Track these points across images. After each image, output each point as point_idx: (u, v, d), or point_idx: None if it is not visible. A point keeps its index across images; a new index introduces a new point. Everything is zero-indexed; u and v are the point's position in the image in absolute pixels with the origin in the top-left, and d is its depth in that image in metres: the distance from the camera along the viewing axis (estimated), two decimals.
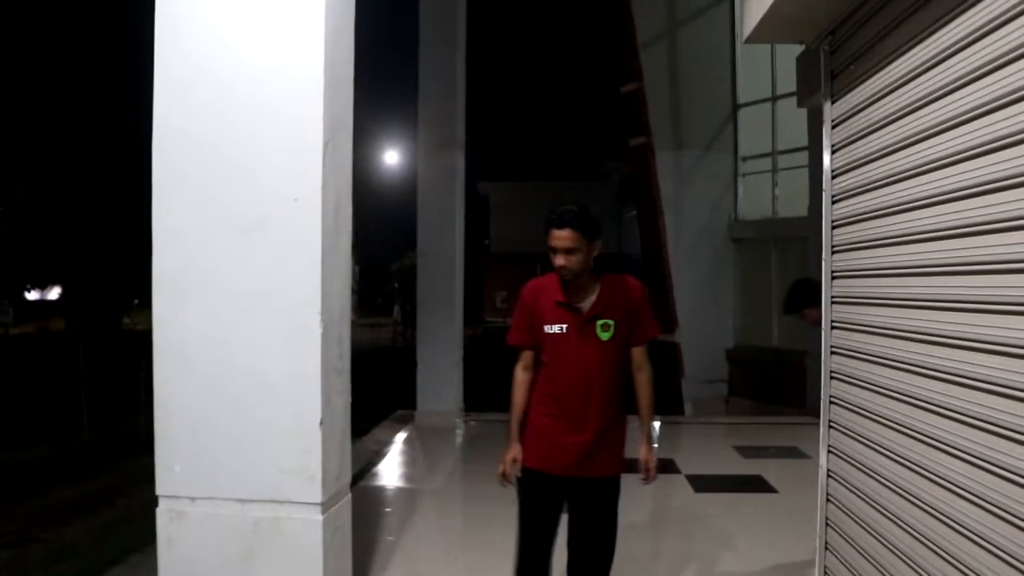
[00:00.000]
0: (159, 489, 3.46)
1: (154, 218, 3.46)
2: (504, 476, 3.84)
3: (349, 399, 3.69)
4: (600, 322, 3.71)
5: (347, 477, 3.64)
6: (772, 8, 4.21)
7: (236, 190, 3.36)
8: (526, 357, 3.91)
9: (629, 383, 3.94)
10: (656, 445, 4.02)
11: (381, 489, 7.49)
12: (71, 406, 12.54)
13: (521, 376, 3.90)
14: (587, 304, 3.74)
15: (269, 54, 3.34)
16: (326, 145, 3.33)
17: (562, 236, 3.58)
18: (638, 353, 3.89)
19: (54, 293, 38.19)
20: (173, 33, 3.45)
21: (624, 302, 3.77)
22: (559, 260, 3.62)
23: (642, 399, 3.91)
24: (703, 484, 7.34)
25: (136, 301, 31.96)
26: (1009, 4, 2.57)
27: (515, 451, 3.84)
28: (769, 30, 4.57)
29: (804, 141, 12.35)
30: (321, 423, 3.31)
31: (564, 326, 3.72)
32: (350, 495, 3.65)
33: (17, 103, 21.79)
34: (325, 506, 3.35)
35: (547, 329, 3.75)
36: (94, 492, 8.97)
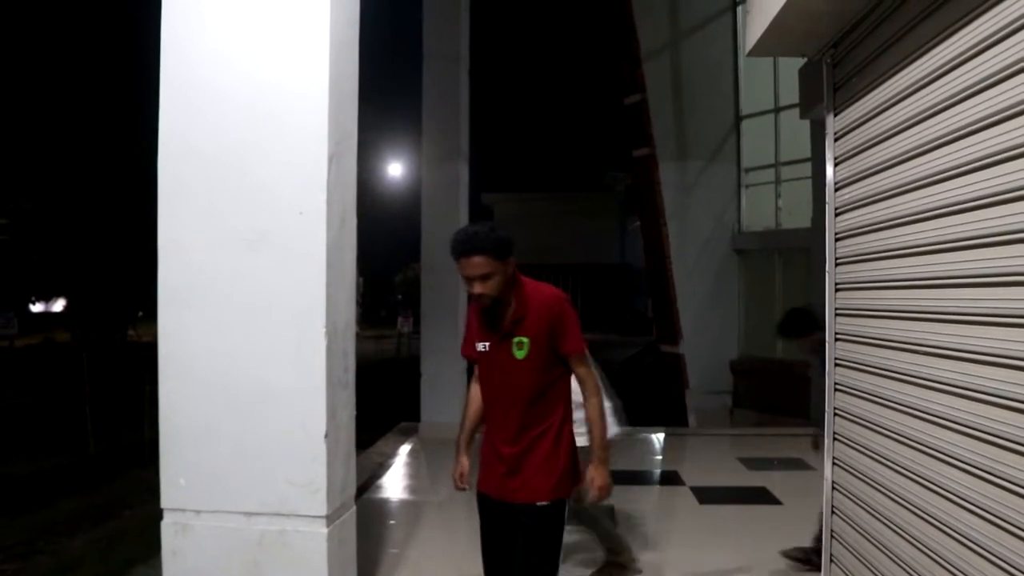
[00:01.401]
0: (164, 502, 3.47)
1: (159, 231, 3.47)
2: (458, 482, 3.76)
3: (354, 412, 3.69)
4: (515, 339, 3.50)
5: (352, 489, 3.65)
6: (775, 22, 4.23)
7: (241, 203, 3.38)
8: (476, 370, 3.78)
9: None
10: (605, 465, 3.66)
11: (385, 501, 7.49)
12: (76, 418, 12.55)
13: (475, 390, 3.78)
14: (501, 322, 3.55)
15: (275, 69, 3.36)
16: (331, 159, 3.35)
17: (473, 264, 3.36)
18: (575, 366, 3.63)
19: (59, 305, 38.26)
20: (178, 49, 3.47)
21: (541, 317, 3.51)
22: (476, 288, 3.40)
23: (588, 413, 3.65)
24: (708, 496, 7.33)
25: (140, 313, 31.99)
26: (1010, 18, 2.59)
27: (462, 466, 3.75)
28: (772, 43, 4.59)
29: (807, 152, 12.36)
30: (326, 436, 3.32)
31: (486, 344, 3.57)
32: (355, 507, 3.66)
33: (24, 117, 21.88)
34: (330, 519, 3.35)
35: (477, 347, 3.62)
36: (99, 504, 8.96)
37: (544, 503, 3.56)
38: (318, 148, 3.33)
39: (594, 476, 3.63)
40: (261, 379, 3.35)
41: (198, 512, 3.44)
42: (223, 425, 3.39)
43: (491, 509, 3.65)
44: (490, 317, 3.51)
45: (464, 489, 3.75)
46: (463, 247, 3.37)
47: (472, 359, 3.72)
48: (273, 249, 3.34)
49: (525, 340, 3.48)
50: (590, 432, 3.64)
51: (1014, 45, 2.57)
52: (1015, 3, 2.56)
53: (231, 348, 3.39)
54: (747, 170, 15.28)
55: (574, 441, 3.68)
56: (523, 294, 3.52)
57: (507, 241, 3.44)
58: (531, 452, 3.55)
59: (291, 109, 3.34)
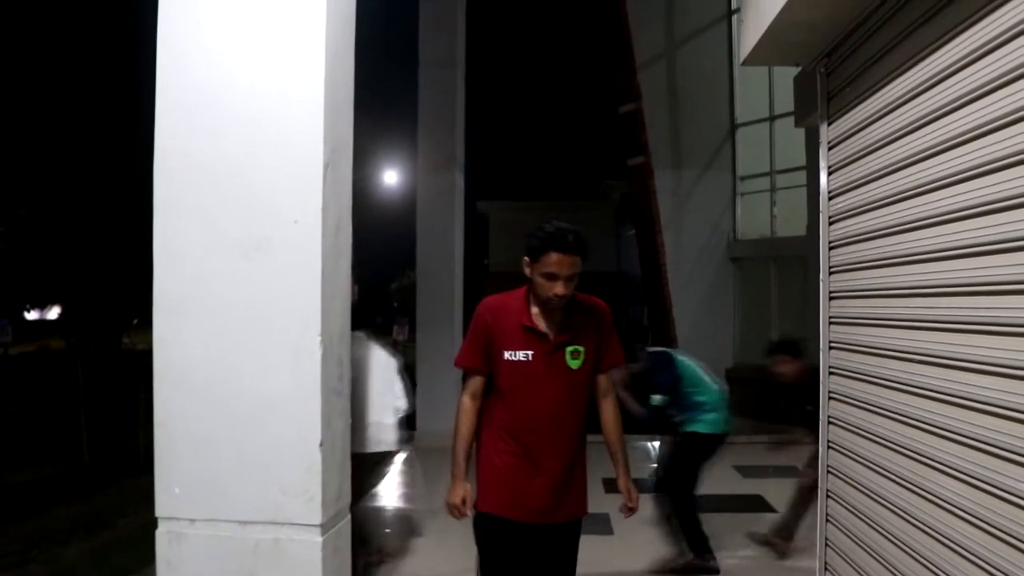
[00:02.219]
0: (159, 511, 3.46)
1: (155, 239, 3.47)
2: (454, 513, 3.47)
3: (349, 420, 3.69)
4: (570, 348, 3.35)
5: (347, 498, 3.64)
6: (768, 31, 4.25)
7: (237, 211, 3.38)
8: (475, 383, 3.48)
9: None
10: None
11: (380, 510, 7.47)
12: (70, 426, 12.51)
13: (469, 405, 3.48)
14: (554, 329, 3.35)
15: (270, 77, 3.36)
16: (326, 167, 3.35)
17: (570, 263, 3.20)
18: (604, 380, 3.55)
19: (53, 313, 38.16)
20: (174, 56, 3.47)
21: (593, 326, 3.42)
22: (559, 289, 3.21)
23: (611, 426, 3.56)
24: (703, 504, 7.34)
25: (135, 321, 31.92)
26: (1003, 28, 2.61)
27: (464, 490, 3.43)
28: (765, 53, 4.61)
29: (802, 160, 12.41)
30: (321, 444, 3.31)
31: (529, 353, 3.32)
32: (350, 516, 3.65)
33: (19, 124, 21.85)
34: (325, 527, 3.34)
35: (508, 356, 3.34)
36: (93, 512, 8.93)
37: (583, 516, 3.56)
38: (314, 156, 3.33)
39: (629, 487, 3.56)
40: (256, 387, 3.34)
41: (192, 521, 3.43)
42: (218, 433, 3.39)
43: (517, 535, 3.41)
44: (541, 320, 3.33)
45: (466, 516, 3.46)
46: (568, 244, 3.20)
47: (477, 371, 3.45)
48: (268, 257, 3.34)
49: (581, 349, 3.36)
50: (612, 445, 3.57)
51: (1007, 55, 2.59)
52: (1008, 13, 2.58)
53: (226, 356, 3.38)
54: (742, 178, 15.32)
55: None
56: (575, 301, 3.38)
57: (587, 243, 3.31)
58: (574, 467, 3.46)
59: (287, 117, 3.34)
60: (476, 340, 3.44)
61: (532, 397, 3.34)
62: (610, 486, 3.87)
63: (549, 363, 3.32)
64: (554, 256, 3.19)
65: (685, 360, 6.10)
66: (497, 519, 3.41)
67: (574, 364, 3.35)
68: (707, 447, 5.90)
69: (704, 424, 5.85)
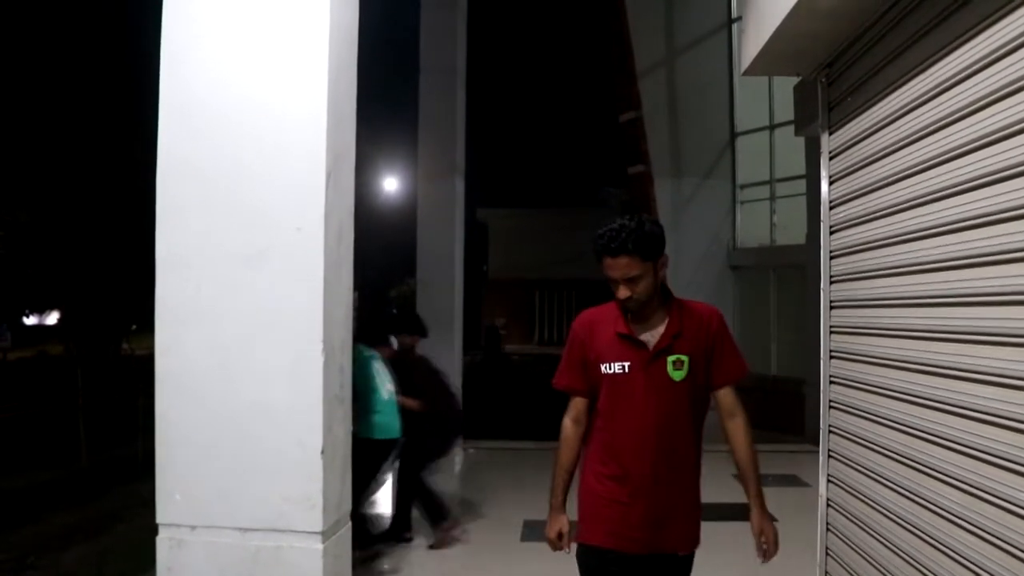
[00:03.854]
0: (159, 517, 3.46)
1: (157, 247, 3.48)
2: (553, 547, 3.17)
3: (350, 428, 3.69)
4: (672, 358, 2.99)
5: (347, 506, 3.64)
6: (770, 42, 4.27)
7: (239, 220, 3.38)
8: (577, 406, 3.18)
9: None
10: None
11: (379, 518, 7.45)
12: (69, 431, 12.50)
13: (571, 430, 3.17)
14: (654, 336, 3.03)
15: (273, 86, 3.37)
16: (329, 176, 3.36)
17: (619, 265, 2.94)
18: (726, 397, 3.15)
19: (52, 318, 38.14)
20: (177, 64, 3.48)
21: (699, 332, 3.06)
22: (622, 292, 2.96)
23: (741, 452, 3.14)
24: (703, 513, 7.33)
25: (134, 327, 31.89)
26: (1004, 39, 2.62)
27: (560, 523, 3.13)
28: (766, 63, 4.63)
29: (802, 169, 12.42)
30: (322, 452, 3.31)
31: (627, 364, 3.01)
32: (350, 524, 3.65)
33: (20, 129, 21.86)
34: (326, 535, 3.34)
35: (604, 369, 3.05)
36: (92, 518, 8.92)
37: (692, 552, 3.20)
38: (316, 165, 3.34)
39: (764, 526, 3.19)
40: (258, 395, 3.34)
41: (193, 528, 3.43)
42: (219, 440, 3.39)
43: (623, 567, 3.06)
44: (638, 327, 3.04)
45: (565, 551, 3.15)
46: (607, 245, 2.94)
47: (577, 391, 3.17)
48: (270, 265, 3.35)
49: (684, 359, 3.00)
50: (744, 474, 3.17)
51: (1009, 66, 2.60)
52: (1009, 24, 2.59)
53: (228, 364, 3.38)
54: (742, 187, 15.34)
55: None
56: (678, 305, 3.09)
57: (658, 238, 2.98)
58: (683, 493, 3.11)
59: (289, 126, 3.35)
60: (571, 356, 3.18)
61: (631, 413, 3.02)
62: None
63: (649, 374, 2.99)
64: (606, 260, 2.97)
65: (368, 357, 6.21)
66: (600, 551, 3.08)
67: (677, 375, 3.00)
68: (380, 452, 6.23)
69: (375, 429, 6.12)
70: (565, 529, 3.13)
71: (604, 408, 3.09)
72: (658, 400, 2.99)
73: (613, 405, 3.06)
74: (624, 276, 2.94)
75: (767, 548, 3.19)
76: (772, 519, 3.20)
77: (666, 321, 3.05)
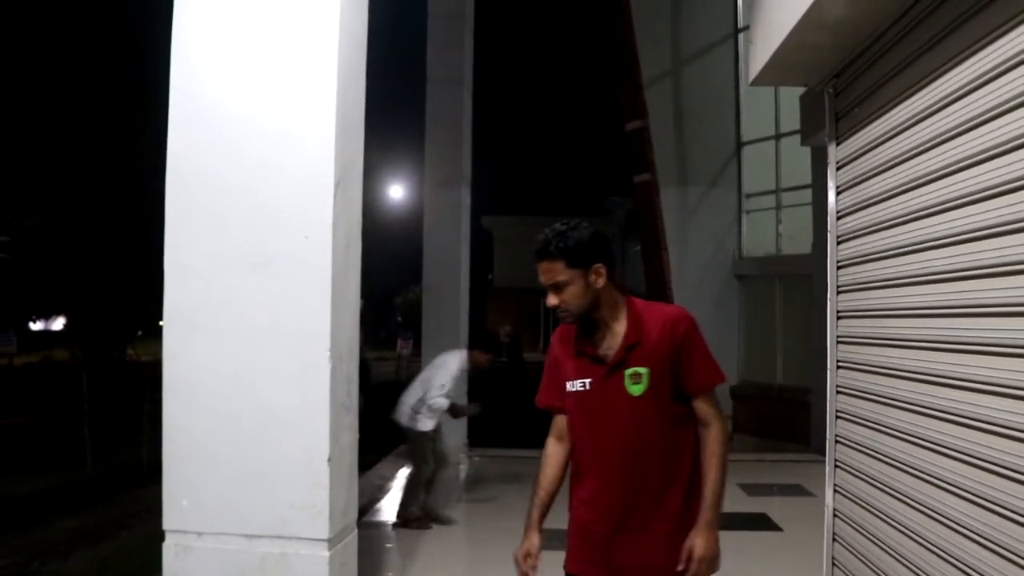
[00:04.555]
0: (166, 523, 3.47)
1: (166, 253, 3.49)
2: (521, 565, 2.90)
3: (357, 435, 3.70)
4: (629, 372, 2.77)
5: (354, 513, 3.65)
6: (777, 53, 4.28)
7: (248, 226, 3.40)
8: (556, 422, 3.02)
9: None
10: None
11: (384, 525, 7.46)
12: (74, 437, 12.52)
13: (551, 447, 3.02)
14: (611, 349, 2.83)
15: (283, 96, 3.39)
16: (337, 184, 3.37)
17: (543, 269, 2.78)
18: (700, 406, 2.85)
19: (58, 323, 38.24)
20: (187, 72, 3.51)
21: (661, 340, 2.79)
22: (550, 299, 2.80)
23: (704, 464, 2.83)
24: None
25: (140, 332, 31.98)
26: (1011, 52, 2.62)
27: (529, 543, 2.89)
28: (774, 74, 4.64)
29: (807, 179, 12.43)
30: (329, 459, 3.32)
31: (587, 381, 2.84)
32: (356, 531, 3.66)
33: (28, 135, 21.97)
34: (332, 542, 3.35)
35: (568, 387, 2.89)
36: (96, 524, 8.91)
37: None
38: (325, 173, 3.36)
39: (695, 544, 2.74)
40: (265, 402, 3.36)
41: (200, 534, 3.44)
42: (226, 447, 3.40)
43: None
44: (597, 341, 2.85)
45: (528, 574, 2.89)
46: (535, 250, 2.79)
47: (555, 408, 3.00)
48: (279, 273, 3.36)
49: (643, 371, 2.77)
50: (704, 483, 2.81)
51: (1016, 78, 2.61)
52: (1017, 37, 2.60)
53: (235, 370, 3.40)
54: (748, 196, 15.35)
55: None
56: (635, 314, 2.85)
57: (589, 244, 2.77)
58: (661, 519, 2.80)
59: (299, 135, 3.38)
60: (548, 373, 3.03)
61: (594, 433, 2.85)
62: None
63: (607, 391, 2.80)
64: (538, 265, 2.79)
65: None
66: None
67: (636, 390, 2.77)
68: None
69: None
70: (534, 550, 2.88)
71: (575, 427, 2.93)
72: (618, 418, 2.79)
73: (579, 425, 2.90)
74: (548, 281, 2.77)
75: (687, 567, 2.73)
76: (714, 541, 2.77)
77: (623, 331, 2.84)
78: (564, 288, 2.76)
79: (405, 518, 7.30)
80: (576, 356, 2.89)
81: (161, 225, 3.49)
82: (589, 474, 2.88)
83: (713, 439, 2.83)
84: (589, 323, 2.87)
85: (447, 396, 7.27)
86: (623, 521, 2.80)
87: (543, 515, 2.94)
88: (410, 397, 7.40)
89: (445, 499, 7.78)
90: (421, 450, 7.43)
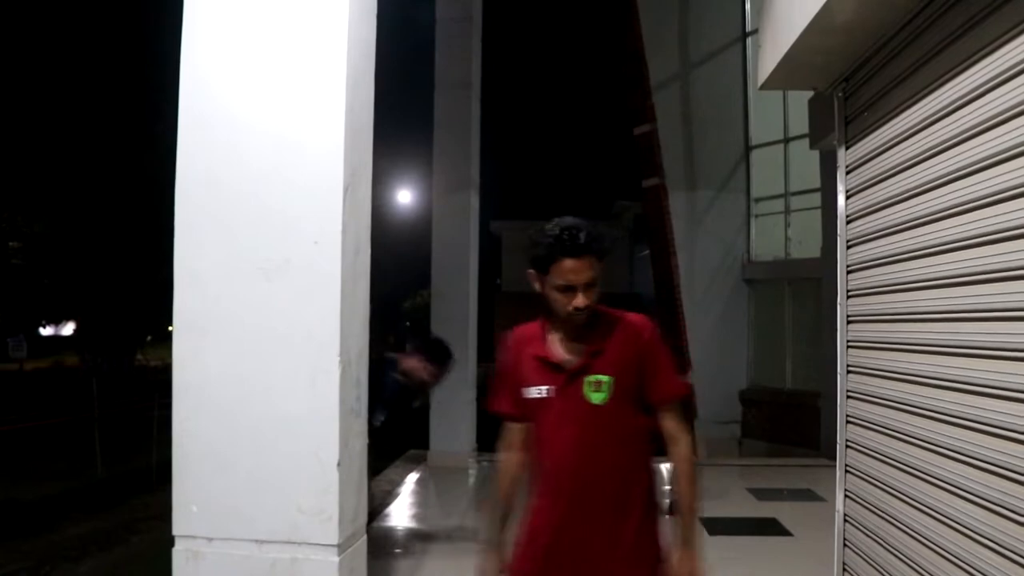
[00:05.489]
0: (176, 529, 3.47)
1: (176, 259, 3.50)
2: None
3: (366, 440, 3.70)
4: (589, 379, 2.65)
5: (363, 518, 3.64)
6: (786, 57, 4.27)
7: (257, 232, 3.40)
8: (510, 432, 2.87)
9: None
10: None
11: (393, 530, 7.46)
12: (84, 442, 12.55)
13: (505, 459, 2.88)
14: (573, 356, 2.71)
15: (292, 101, 3.40)
16: (346, 189, 3.38)
17: (581, 267, 2.58)
18: (668, 421, 2.73)
19: (68, 329, 38.40)
20: (197, 77, 3.51)
21: (625, 348, 2.69)
22: (580, 301, 2.59)
23: (677, 483, 2.74)
24: (717, 527, 7.29)
25: (149, 338, 32.09)
26: (1022, 56, 2.62)
27: (488, 564, 2.81)
28: (783, 77, 4.63)
29: (816, 182, 12.40)
30: (338, 465, 3.32)
31: (545, 388, 2.70)
32: (366, 536, 3.65)
33: (38, 140, 22.08)
34: (341, 547, 3.35)
35: (527, 394, 2.74)
36: (106, 529, 8.96)
37: None
38: (334, 178, 3.36)
39: (684, 568, 2.68)
40: (275, 407, 3.36)
41: (210, 539, 3.44)
42: (236, 452, 3.40)
43: None
44: (560, 346, 2.74)
45: None
46: (580, 246, 2.58)
47: (512, 416, 2.85)
48: (288, 278, 3.36)
49: (605, 380, 2.65)
50: (679, 505, 2.74)
51: None
52: None
53: (245, 376, 3.40)
54: (756, 200, 15.31)
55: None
56: (602, 319, 2.73)
57: (608, 237, 2.69)
58: (614, 535, 2.66)
59: (308, 139, 3.38)
60: (503, 379, 2.87)
61: (552, 442, 2.70)
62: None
63: (566, 398, 2.67)
64: (567, 263, 2.58)
65: None
66: None
67: (596, 398, 2.64)
68: None
69: None
70: (492, 570, 2.80)
71: (532, 436, 2.79)
72: (577, 427, 2.66)
73: (539, 433, 2.75)
74: (583, 280, 2.59)
75: None
76: (700, 562, 2.73)
77: (586, 338, 2.71)
78: (594, 287, 2.63)
79: None
80: (537, 362, 2.74)
81: (170, 230, 3.50)
82: (547, 485, 2.73)
83: (683, 457, 2.74)
84: (580, 324, 2.69)
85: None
86: (581, 537, 2.65)
87: (502, 532, 2.83)
88: None
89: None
90: None
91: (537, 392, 2.72)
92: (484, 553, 2.83)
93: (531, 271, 2.73)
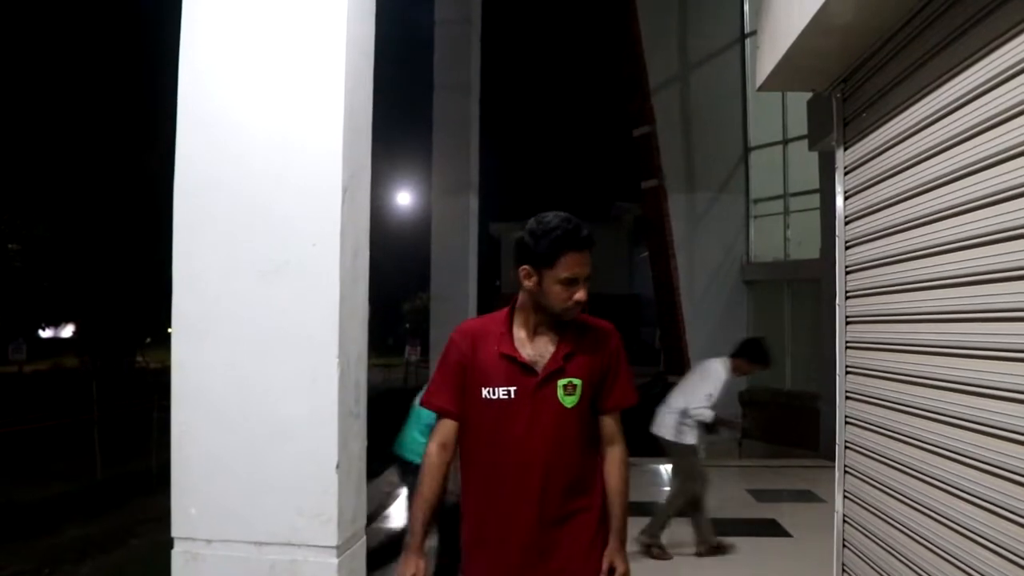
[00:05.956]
0: (175, 531, 3.46)
1: (175, 261, 3.49)
2: None
3: (365, 442, 3.69)
4: (563, 381, 2.62)
5: (362, 520, 3.64)
6: (785, 58, 4.27)
7: (256, 234, 3.40)
8: (446, 429, 2.77)
9: None
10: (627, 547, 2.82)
11: (393, 532, 7.45)
12: (84, 444, 12.55)
13: (437, 457, 2.74)
14: (543, 357, 2.66)
15: (291, 102, 3.40)
16: (345, 191, 3.37)
17: (585, 261, 2.59)
18: (610, 424, 2.75)
19: (68, 331, 38.41)
20: (195, 79, 3.51)
21: (595, 352, 2.70)
22: (581, 295, 2.60)
23: (612, 482, 2.74)
24: (717, 528, 7.30)
25: (148, 339, 32.10)
26: (1020, 56, 2.62)
27: (414, 564, 2.70)
28: (782, 79, 4.63)
29: (815, 183, 12.41)
30: (338, 466, 3.31)
31: (512, 389, 2.63)
32: (365, 538, 3.65)
33: (38, 144, 22.09)
34: (341, 549, 3.34)
35: (486, 393, 2.66)
36: (106, 532, 8.95)
37: None
38: (333, 180, 3.36)
39: (615, 561, 2.71)
40: (273, 409, 3.35)
41: (209, 541, 3.43)
42: (235, 455, 3.40)
43: None
44: (527, 345, 2.69)
45: None
46: (586, 239, 2.60)
47: (450, 413, 2.76)
48: (287, 280, 3.36)
49: (577, 383, 2.63)
50: (611, 503, 2.76)
51: None
52: (1022, 43, 2.59)
53: (244, 378, 3.39)
54: (756, 201, 15.32)
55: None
56: (573, 322, 2.71)
57: None
58: (572, 535, 2.67)
59: (306, 141, 3.37)
60: (448, 374, 2.78)
61: (515, 444, 2.63)
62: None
63: (537, 401, 2.62)
64: (574, 256, 2.57)
65: None
66: None
67: (568, 401, 2.62)
68: None
69: None
70: (421, 571, 2.69)
71: (483, 437, 2.69)
72: (546, 429, 2.61)
73: (493, 435, 2.66)
74: (587, 274, 2.61)
75: None
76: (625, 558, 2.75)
77: (556, 339, 2.68)
78: (589, 282, 2.64)
79: (650, 545, 6.45)
80: (501, 361, 2.67)
81: (170, 233, 3.50)
82: (503, 488, 2.66)
83: (622, 459, 2.77)
84: (549, 326, 2.69)
85: (713, 407, 6.48)
86: (543, 537, 2.64)
87: (427, 534, 2.76)
88: (672, 408, 6.61)
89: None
90: (688, 465, 6.64)
91: (504, 393, 2.65)
92: (409, 556, 2.73)
93: (525, 266, 2.66)
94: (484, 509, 2.73)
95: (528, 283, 2.66)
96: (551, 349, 2.66)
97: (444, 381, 2.79)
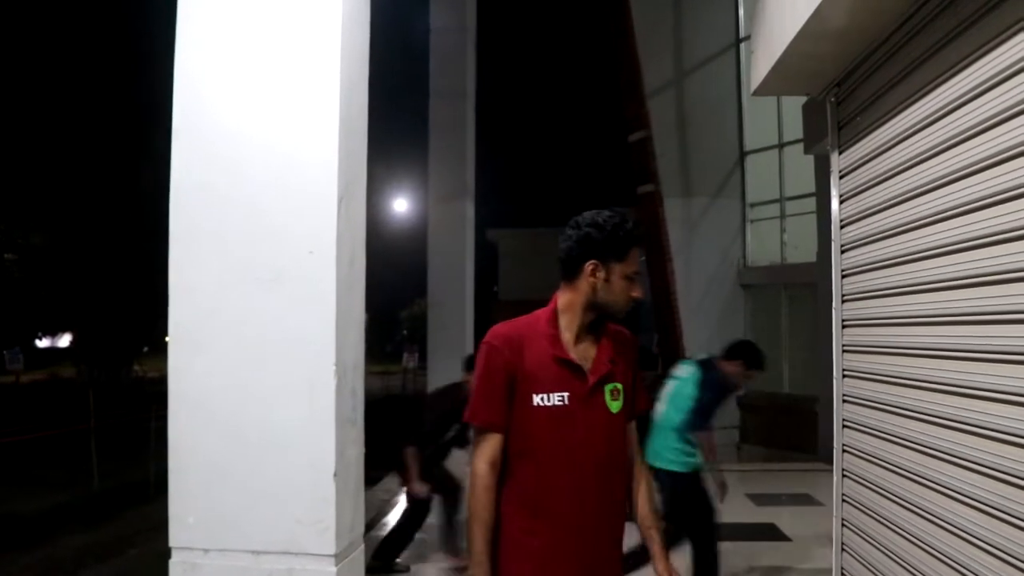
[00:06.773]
0: (172, 540, 3.45)
1: (171, 270, 3.49)
2: None
3: (363, 450, 3.69)
4: (609, 387, 2.51)
5: (360, 528, 3.63)
6: (779, 63, 4.28)
7: (252, 243, 3.40)
8: (493, 445, 2.51)
9: None
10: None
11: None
12: (81, 454, 12.52)
13: (489, 478, 2.50)
14: (586, 361, 2.52)
15: (286, 110, 3.40)
16: (341, 200, 3.37)
17: (638, 257, 2.56)
18: (632, 430, 2.68)
19: (65, 340, 38.34)
20: (191, 87, 3.51)
21: (627, 357, 2.61)
22: (639, 291, 2.55)
23: (645, 492, 2.67)
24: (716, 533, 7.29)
25: (145, 349, 32.05)
26: (1012, 59, 2.63)
27: None
28: (776, 83, 4.65)
29: (811, 187, 12.43)
30: (335, 474, 3.30)
31: (565, 395, 2.45)
32: (363, 546, 3.64)
33: (35, 153, 22.09)
34: (339, 557, 3.33)
35: (538, 401, 2.45)
36: (103, 542, 8.91)
37: None
38: (328, 188, 3.36)
39: (668, 571, 2.57)
40: (270, 418, 3.35)
41: (206, 551, 3.42)
42: (232, 463, 3.39)
43: None
44: (584, 354, 2.53)
45: None
46: (640, 234, 2.56)
47: (496, 425, 2.50)
48: (284, 288, 3.36)
49: (620, 387, 2.53)
50: (643, 512, 2.67)
51: (1018, 86, 2.61)
52: (1017, 45, 2.60)
53: (241, 387, 3.39)
54: (752, 205, 15.34)
55: None
56: (605, 326, 2.60)
57: None
58: (615, 540, 2.58)
59: (302, 150, 3.37)
60: (495, 384, 2.50)
61: (569, 454, 2.46)
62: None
63: (588, 407, 2.47)
64: (637, 251, 2.52)
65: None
66: None
67: (615, 406, 2.52)
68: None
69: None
70: None
71: (536, 448, 2.48)
72: (599, 437, 2.48)
73: (549, 445, 2.46)
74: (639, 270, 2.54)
75: None
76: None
77: (595, 342, 2.55)
78: None
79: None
80: (554, 365, 2.48)
81: (166, 242, 3.50)
82: (558, 501, 2.46)
83: (650, 481, 2.72)
84: (595, 325, 2.56)
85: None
86: (595, 546, 2.50)
87: (489, 549, 2.51)
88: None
89: None
90: None
91: (559, 399, 2.46)
92: (480, 570, 2.49)
93: (593, 261, 2.48)
94: (537, 532, 2.49)
95: (594, 279, 2.49)
96: (592, 352, 2.53)
97: (491, 392, 2.51)
